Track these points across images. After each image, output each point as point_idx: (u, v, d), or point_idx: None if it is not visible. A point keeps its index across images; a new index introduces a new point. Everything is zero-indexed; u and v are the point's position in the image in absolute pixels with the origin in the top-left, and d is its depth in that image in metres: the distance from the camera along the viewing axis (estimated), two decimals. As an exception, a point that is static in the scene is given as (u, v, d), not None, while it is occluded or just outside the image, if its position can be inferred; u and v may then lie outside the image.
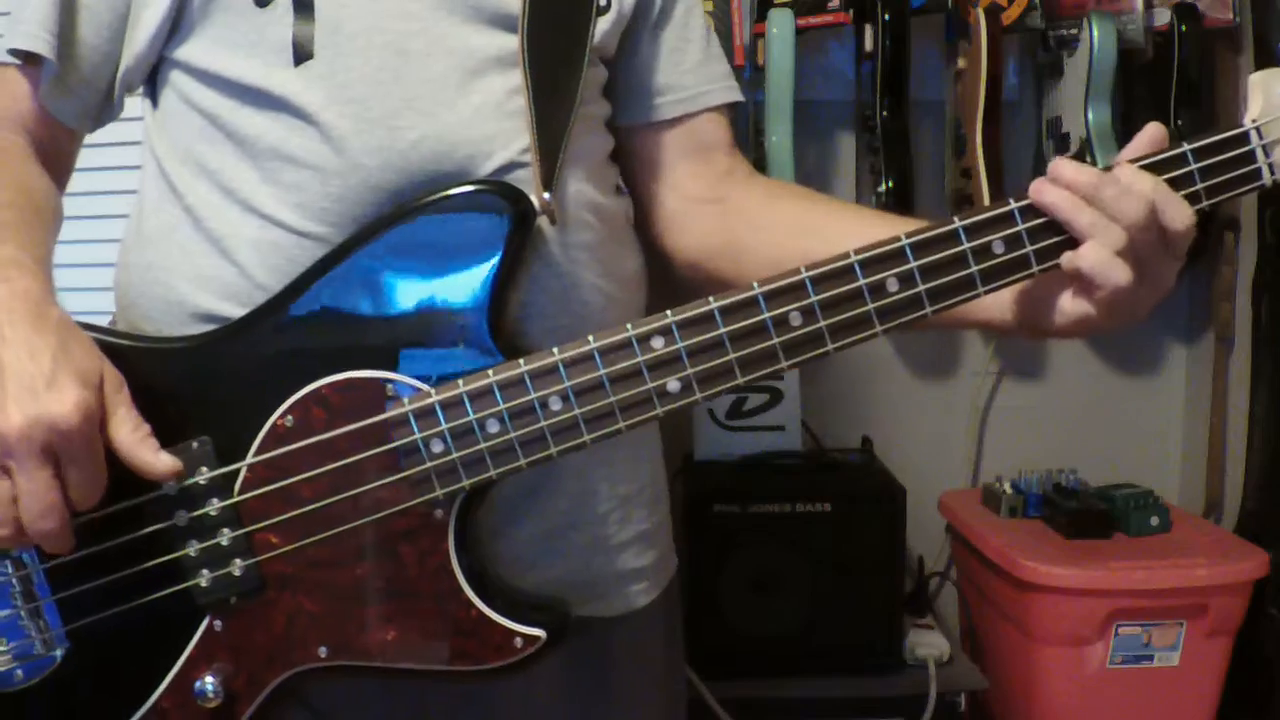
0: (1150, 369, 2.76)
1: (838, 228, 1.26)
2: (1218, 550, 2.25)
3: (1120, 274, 1.02)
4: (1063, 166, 1.05)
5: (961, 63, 2.45)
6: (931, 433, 2.73)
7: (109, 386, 1.00)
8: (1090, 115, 2.33)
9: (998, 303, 1.13)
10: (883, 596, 2.21)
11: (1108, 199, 1.02)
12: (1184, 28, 2.35)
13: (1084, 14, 2.36)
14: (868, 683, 2.19)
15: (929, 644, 2.24)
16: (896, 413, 2.71)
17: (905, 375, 2.74)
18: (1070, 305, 1.07)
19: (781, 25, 2.30)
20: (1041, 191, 1.05)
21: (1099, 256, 1.02)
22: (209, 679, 1.06)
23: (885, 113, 2.38)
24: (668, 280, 1.38)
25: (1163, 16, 2.39)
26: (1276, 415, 2.41)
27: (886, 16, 2.33)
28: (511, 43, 1.18)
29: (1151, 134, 1.07)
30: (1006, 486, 2.48)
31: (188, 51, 1.18)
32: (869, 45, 2.38)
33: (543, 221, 1.14)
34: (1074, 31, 2.39)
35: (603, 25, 1.24)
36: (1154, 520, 2.34)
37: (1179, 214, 1.03)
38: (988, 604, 2.43)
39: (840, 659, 2.21)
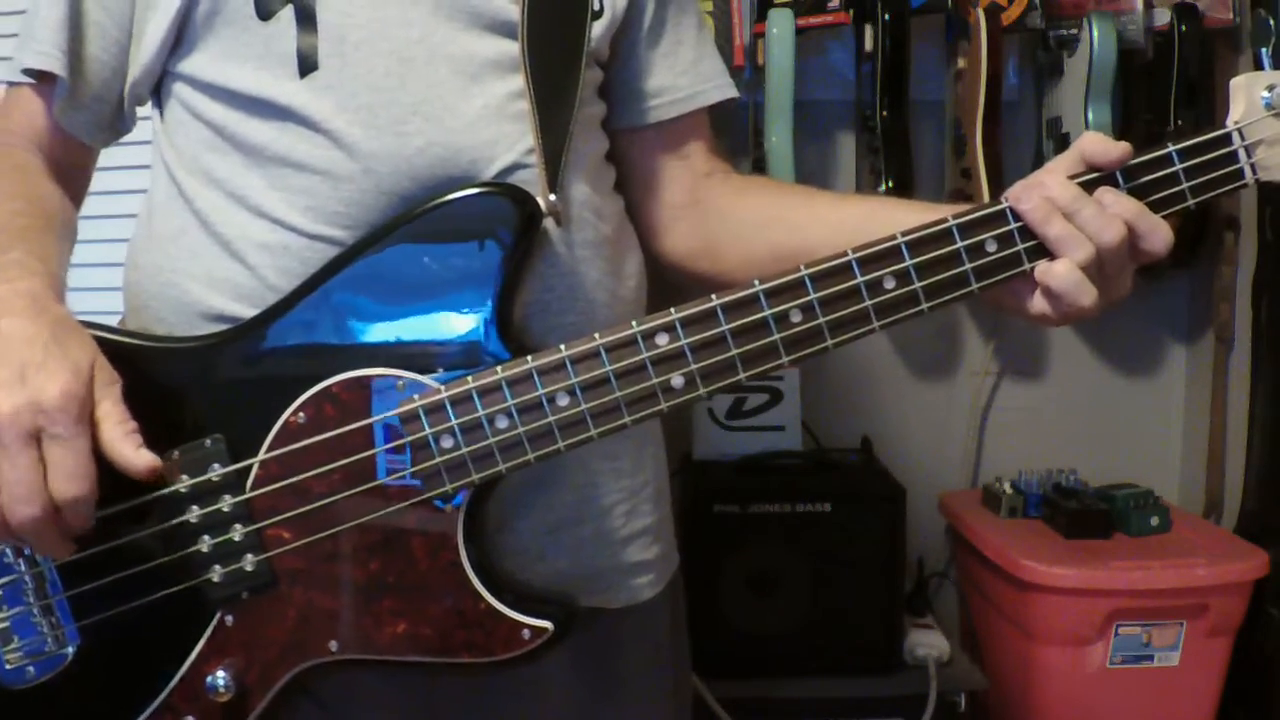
0: (1150, 369, 2.76)
1: (803, 214, 1.29)
2: (1218, 550, 2.26)
3: (1086, 296, 1.05)
4: (1046, 177, 1.07)
5: (961, 63, 2.45)
6: (931, 433, 2.73)
7: (100, 379, 1.00)
8: (1090, 115, 2.34)
9: None
10: (882, 596, 2.22)
11: (1085, 218, 1.05)
12: (1184, 28, 2.36)
13: (1084, 14, 2.37)
14: (868, 683, 2.20)
15: (929, 644, 2.25)
16: (896, 413, 2.71)
17: (905, 375, 2.74)
18: (1035, 306, 1.09)
19: (781, 25, 2.31)
20: (1019, 198, 1.07)
21: (1069, 276, 1.05)
22: (220, 674, 1.07)
23: (885, 113, 2.38)
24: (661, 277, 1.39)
25: (1163, 16, 2.39)
26: (1276, 415, 2.41)
27: (886, 16, 2.33)
28: (510, 48, 1.19)
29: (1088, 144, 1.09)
30: (1006, 486, 2.48)
31: (191, 65, 1.19)
32: (869, 45, 2.38)
33: (548, 222, 1.15)
34: (1074, 31, 2.39)
35: (597, 29, 1.25)
36: (1154, 520, 2.35)
37: (1159, 239, 1.07)
38: (988, 604, 2.44)
39: (840, 659, 2.21)
